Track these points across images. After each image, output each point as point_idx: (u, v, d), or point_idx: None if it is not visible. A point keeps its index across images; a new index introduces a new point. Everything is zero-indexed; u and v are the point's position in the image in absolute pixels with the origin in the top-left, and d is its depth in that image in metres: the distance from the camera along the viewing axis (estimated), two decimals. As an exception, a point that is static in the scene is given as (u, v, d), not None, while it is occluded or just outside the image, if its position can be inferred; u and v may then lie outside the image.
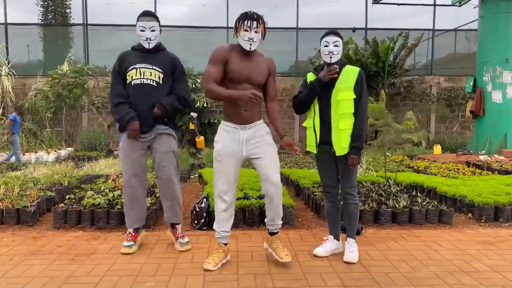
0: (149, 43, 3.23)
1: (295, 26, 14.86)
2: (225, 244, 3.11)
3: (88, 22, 14.42)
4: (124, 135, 3.34)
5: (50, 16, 21.62)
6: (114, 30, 14.82)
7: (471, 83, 11.20)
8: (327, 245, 3.32)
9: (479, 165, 8.21)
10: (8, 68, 12.90)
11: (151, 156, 3.42)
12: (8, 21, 14.21)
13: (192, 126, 11.57)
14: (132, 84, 3.23)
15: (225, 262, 3.08)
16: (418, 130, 5.04)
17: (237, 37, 2.94)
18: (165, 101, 3.26)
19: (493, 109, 10.60)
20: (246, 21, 2.85)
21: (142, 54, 3.28)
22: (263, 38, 2.96)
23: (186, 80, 3.51)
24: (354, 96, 3.11)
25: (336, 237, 3.36)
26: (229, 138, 2.97)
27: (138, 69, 3.23)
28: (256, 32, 2.87)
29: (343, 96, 3.11)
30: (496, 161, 8.50)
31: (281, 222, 3.13)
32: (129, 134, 3.23)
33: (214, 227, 3.12)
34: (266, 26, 2.96)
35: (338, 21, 16.91)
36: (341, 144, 3.10)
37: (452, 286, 2.71)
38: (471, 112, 11.10)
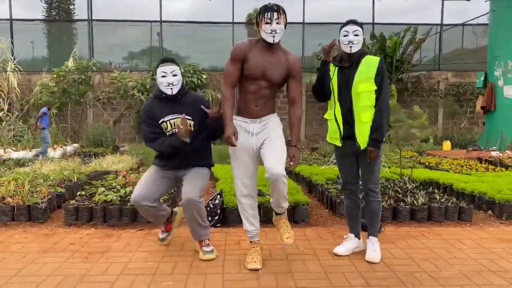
0: (171, 89, 3.04)
1: (301, 21, 14.73)
2: (258, 241, 3.06)
3: (93, 18, 14.32)
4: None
5: (54, 13, 21.57)
6: (119, 26, 14.72)
7: (482, 78, 11.05)
8: (348, 244, 3.23)
9: (491, 161, 8.08)
10: (14, 64, 12.84)
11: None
12: (12, 17, 14.14)
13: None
14: (169, 131, 3.12)
15: None
16: (430, 126, 4.91)
17: (258, 32, 2.86)
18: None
19: (504, 104, 10.44)
20: (266, 14, 2.77)
21: (168, 103, 3.11)
22: (284, 29, 2.85)
23: None
24: (375, 87, 3.00)
25: (357, 235, 3.26)
26: (241, 134, 2.89)
27: (168, 121, 3.09)
28: (277, 23, 2.78)
29: (363, 87, 2.99)
30: (509, 157, 8.36)
31: (286, 204, 3.05)
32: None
33: (245, 228, 3.03)
34: (286, 16, 2.86)
35: (345, 16, 16.76)
36: (364, 137, 2.99)
37: (481, 287, 2.61)
38: (482, 108, 10.95)
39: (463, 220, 4.12)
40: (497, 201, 4.29)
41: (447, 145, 11.09)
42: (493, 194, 4.39)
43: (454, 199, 4.41)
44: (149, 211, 3.15)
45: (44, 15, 20.31)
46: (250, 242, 3.06)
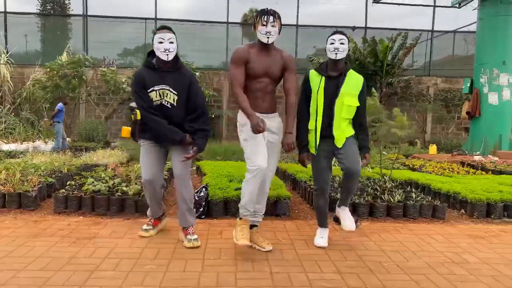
0: (167, 55, 3.13)
1: (295, 23, 14.93)
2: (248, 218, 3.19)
3: (88, 14, 14.41)
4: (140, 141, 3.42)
5: (48, 7, 21.55)
6: (114, 22, 14.81)
7: (468, 84, 11.30)
8: (324, 234, 3.41)
9: (473, 165, 8.32)
10: (7, 57, 12.89)
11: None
12: (6, 10, 14.18)
13: (139, 117, 11.85)
14: (154, 104, 3.23)
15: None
16: (411, 127, 5.11)
17: (255, 33, 3.13)
18: (200, 141, 3.28)
19: (489, 111, 10.71)
20: (263, 16, 3.05)
21: (159, 73, 3.20)
22: (279, 33, 3.12)
23: (201, 91, 3.46)
24: (358, 104, 3.26)
25: (327, 225, 3.46)
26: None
27: (157, 91, 3.19)
28: (273, 26, 3.06)
29: (348, 101, 3.21)
30: (491, 162, 8.61)
31: (263, 211, 3.32)
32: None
33: (241, 204, 3.14)
34: (281, 21, 3.15)
35: (338, 20, 16.99)
36: (341, 138, 3.25)
37: (443, 276, 2.81)
38: (467, 113, 11.21)
39: (437, 218, 4.33)
40: (469, 201, 4.50)
41: (433, 148, 11.35)
42: (466, 194, 4.60)
43: (429, 198, 4.61)
44: (157, 194, 3.38)
45: (39, 9, 20.27)
46: (241, 218, 3.13)
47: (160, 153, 3.38)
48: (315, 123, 3.29)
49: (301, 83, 3.37)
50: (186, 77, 3.26)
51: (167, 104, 3.22)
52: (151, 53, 3.28)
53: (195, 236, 3.32)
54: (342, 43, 3.19)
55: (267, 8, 3.09)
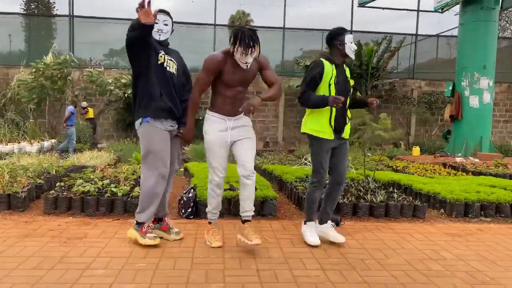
0: (160, 35, 3.26)
1: (282, 25, 15.11)
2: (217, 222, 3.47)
3: (74, 14, 14.35)
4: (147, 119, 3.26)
5: (32, 6, 21.34)
6: (100, 22, 14.77)
7: (450, 88, 11.61)
8: (315, 232, 3.53)
9: (455, 167, 8.56)
10: (-10, 57, 12.77)
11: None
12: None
13: (90, 115, 12.09)
14: (165, 66, 3.25)
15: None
16: (395, 129, 5.29)
17: (232, 51, 3.08)
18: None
19: (470, 114, 11.03)
20: (244, 48, 2.99)
21: (159, 45, 3.30)
22: (258, 55, 3.16)
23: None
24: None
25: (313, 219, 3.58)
26: (217, 128, 3.25)
27: (163, 55, 3.27)
28: (251, 53, 3.06)
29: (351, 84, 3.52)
30: (471, 163, 8.87)
31: (253, 208, 3.36)
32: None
33: (211, 208, 3.40)
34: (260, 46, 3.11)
35: (324, 23, 17.26)
36: (348, 129, 3.49)
37: (420, 271, 2.95)
38: (450, 116, 11.49)
39: (417, 217, 4.50)
40: (448, 201, 4.68)
41: (416, 150, 11.61)
42: (446, 194, 4.79)
43: (411, 198, 4.78)
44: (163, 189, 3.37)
45: (23, 9, 20.06)
46: (210, 223, 3.43)
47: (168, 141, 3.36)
48: (329, 114, 3.36)
49: (311, 69, 3.35)
50: (179, 55, 3.48)
51: (170, 69, 3.31)
52: None
53: (177, 229, 3.57)
54: (351, 43, 3.41)
55: (246, 35, 3.00)
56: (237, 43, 3.02)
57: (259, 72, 3.33)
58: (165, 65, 3.26)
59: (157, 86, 3.23)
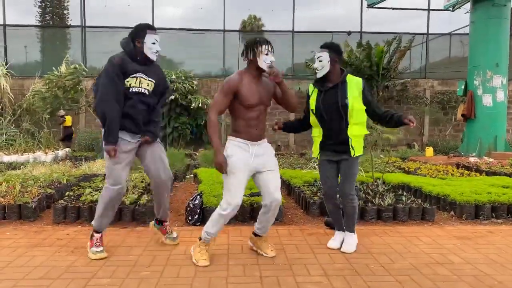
0: (156, 56, 3.32)
1: (291, 29, 15.11)
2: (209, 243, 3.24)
3: (86, 24, 14.61)
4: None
5: (47, 18, 21.81)
6: (112, 32, 15.01)
7: (462, 87, 11.45)
8: (338, 237, 3.58)
9: (468, 167, 8.43)
10: (6, 69, 13.06)
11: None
12: (6, 23, 14.39)
13: (68, 123, 12.19)
14: (130, 91, 3.27)
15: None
16: (400, 132, 5.25)
17: (248, 61, 3.11)
18: (154, 129, 3.45)
19: (483, 113, 10.85)
20: (265, 46, 3.04)
21: (141, 65, 3.29)
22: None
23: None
24: (364, 107, 3.38)
25: (342, 229, 3.61)
26: (242, 154, 3.09)
27: (139, 78, 3.28)
28: (272, 52, 3.07)
29: (355, 106, 3.32)
30: (485, 163, 8.72)
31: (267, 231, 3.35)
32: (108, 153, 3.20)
33: (212, 232, 3.14)
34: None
35: (334, 25, 17.21)
36: (356, 146, 3.36)
37: (427, 276, 2.92)
38: (462, 115, 11.34)
39: (426, 220, 4.43)
40: (458, 203, 4.61)
41: (429, 151, 11.46)
42: (455, 196, 4.72)
43: (419, 201, 4.72)
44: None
45: (38, 20, 20.50)
46: (204, 242, 3.17)
47: (130, 155, 3.35)
48: (318, 131, 3.47)
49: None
50: (160, 71, 3.49)
51: (145, 91, 3.32)
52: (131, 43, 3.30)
53: (175, 234, 3.65)
54: (320, 61, 3.33)
55: (263, 39, 3.08)
56: (257, 45, 3.04)
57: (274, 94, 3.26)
58: (133, 88, 3.27)
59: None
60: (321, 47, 3.39)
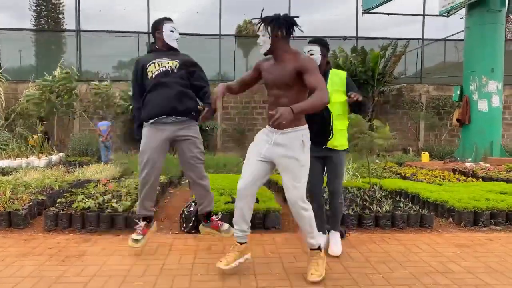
0: (177, 43, 3.48)
1: (286, 34, 15.09)
2: (241, 244, 3.05)
3: (81, 28, 14.52)
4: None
5: (42, 21, 21.68)
6: (107, 36, 14.93)
7: (458, 92, 11.45)
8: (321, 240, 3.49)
9: (465, 172, 8.40)
10: (0, 73, 12.93)
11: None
12: (0, 26, 14.28)
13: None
14: (154, 77, 3.38)
15: (243, 261, 3.05)
16: (395, 138, 5.21)
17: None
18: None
19: (479, 118, 10.84)
20: (254, 23, 2.96)
21: (160, 53, 3.46)
22: (276, 36, 2.84)
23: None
24: (345, 98, 3.38)
25: (325, 232, 3.60)
26: (260, 136, 3.02)
27: (156, 62, 3.41)
28: (263, 35, 2.86)
29: (337, 98, 3.34)
30: (482, 169, 8.70)
31: (312, 235, 2.96)
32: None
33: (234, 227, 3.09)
34: (273, 27, 2.83)
35: (329, 30, 17.22)
36: (338, 141, 3.37)
37: (427, 286, 2.85)
38: (457, 120, 11.33)
39: (424, 227, 4.37)
40: (456, 209, 4.55)
41: (425, 156, 11.43)
42: (454, 202, 4.66)
43: (417, 207, 4.66)
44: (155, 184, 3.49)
45: (33, 24, 20.38)
46: (234, 238, 3.09)
47: (161, 142, 3.42)
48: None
49: None
50: (184, 55, 3.57)
51: (168, 68, 3.40)
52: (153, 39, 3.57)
53: (227, 225, 3.66)
54: (311, 54, 3.33)
55: (258, 18, 2.88)
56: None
57: (300, 77, 2.86)
58: (157, 71, 3.38)
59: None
60: (312, 41, 3.40)
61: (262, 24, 2.86)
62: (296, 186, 2.84)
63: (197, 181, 3.51)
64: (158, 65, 3.40)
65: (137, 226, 3.53)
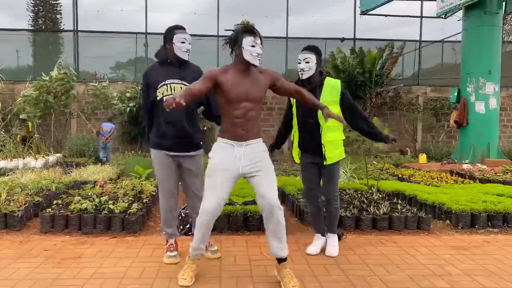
0: (188, 55, 3.27)
1: (285, 35, 15.10)
2: (198, 259, 3.02)
3: (79, 29, 14.47)
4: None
5: (40, 22, 21.63)
6: (104, 37, 14.89)
7: (455, 94, 11.47)
8: (317, 242, 3.58)
9: (462, 174, 8.41)
10: (-3, 73, 12.88)
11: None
12: (-3, 27, 14.25)
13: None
14: (164, 100, 3.15)
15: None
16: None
17: (233, 53, 2.88)
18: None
19: (476, 119, 10.87)
20: (252, 33, 2.78)
21: (171, 68, 3.27)
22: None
23: None
24: (339, 109, 3.38)
25: (323, 234, 3.62)
26: (224, 155, 2.84)
27: (168, 85, 3.24)
28: (260, 44, 2.81)
29: (331, 109, 3.27)
30: (479, 170, 8.71)
31: (285, 246, 2.89)
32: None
33: (196, 244, 2.92)
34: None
35: (327, 31, 17.24)
36: (329, 153, 3.37)
37: (424, 289, 2.84)
38: (455, 122, 11.36)
39: (422, 229, 4.37)
40: (454, 211, 4.55)
41: (422, 158, 11.46)
42: (451, 204, 4.66)
43: (415, 209, 4.66)
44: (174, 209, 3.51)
45: (30, 24, 20.32)
46: (190, 257, 2.98)
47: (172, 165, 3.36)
48: (294, 134, 3.56)
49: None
50: (195, 71, 3.35)
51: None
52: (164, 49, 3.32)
53: (215, 247, 3.49)
54: (307, 62, 3.31)
55: (252, 27, 2.80)
56: (243, 34, 2.77)
57: (272, 88, 2.96)
58: (166, 95, 3.22)
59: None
60: (307, 49, 3.38)
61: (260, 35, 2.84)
62: (275, 190, 2.84)
63: (195, 192, 3.44)
64: (171, 89, 3.23)
65: (168, 244, 3.44)
